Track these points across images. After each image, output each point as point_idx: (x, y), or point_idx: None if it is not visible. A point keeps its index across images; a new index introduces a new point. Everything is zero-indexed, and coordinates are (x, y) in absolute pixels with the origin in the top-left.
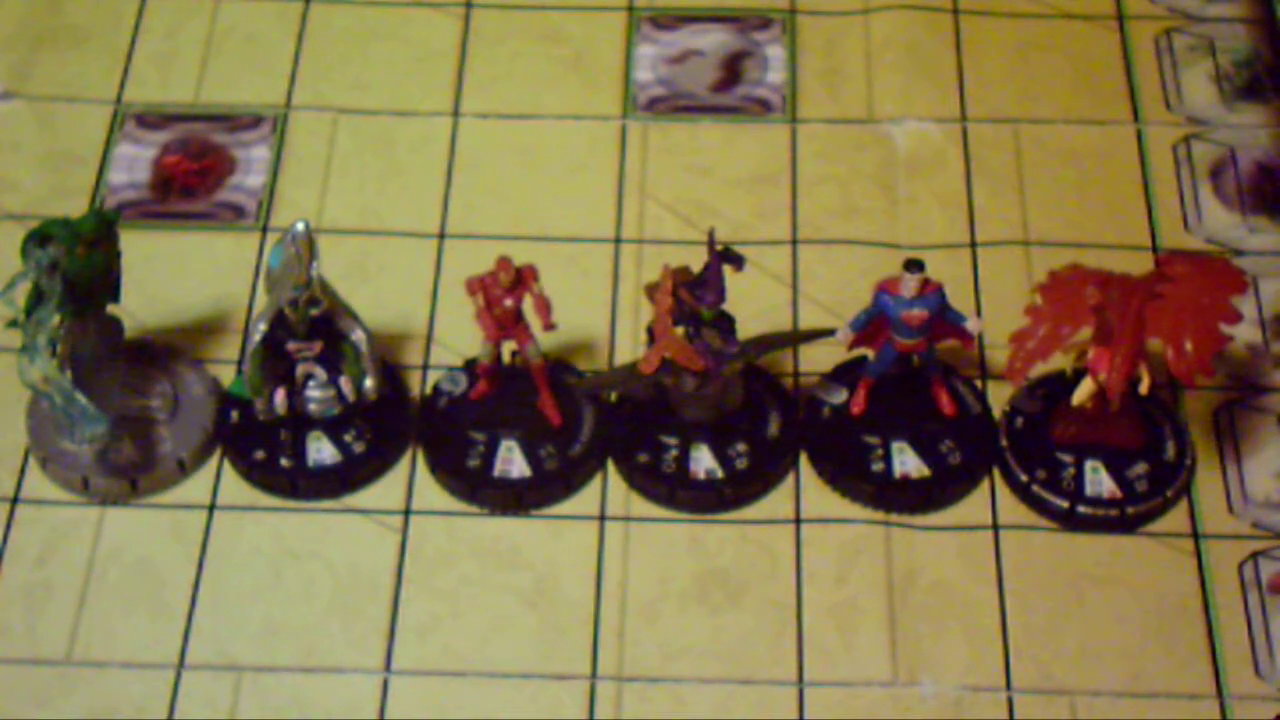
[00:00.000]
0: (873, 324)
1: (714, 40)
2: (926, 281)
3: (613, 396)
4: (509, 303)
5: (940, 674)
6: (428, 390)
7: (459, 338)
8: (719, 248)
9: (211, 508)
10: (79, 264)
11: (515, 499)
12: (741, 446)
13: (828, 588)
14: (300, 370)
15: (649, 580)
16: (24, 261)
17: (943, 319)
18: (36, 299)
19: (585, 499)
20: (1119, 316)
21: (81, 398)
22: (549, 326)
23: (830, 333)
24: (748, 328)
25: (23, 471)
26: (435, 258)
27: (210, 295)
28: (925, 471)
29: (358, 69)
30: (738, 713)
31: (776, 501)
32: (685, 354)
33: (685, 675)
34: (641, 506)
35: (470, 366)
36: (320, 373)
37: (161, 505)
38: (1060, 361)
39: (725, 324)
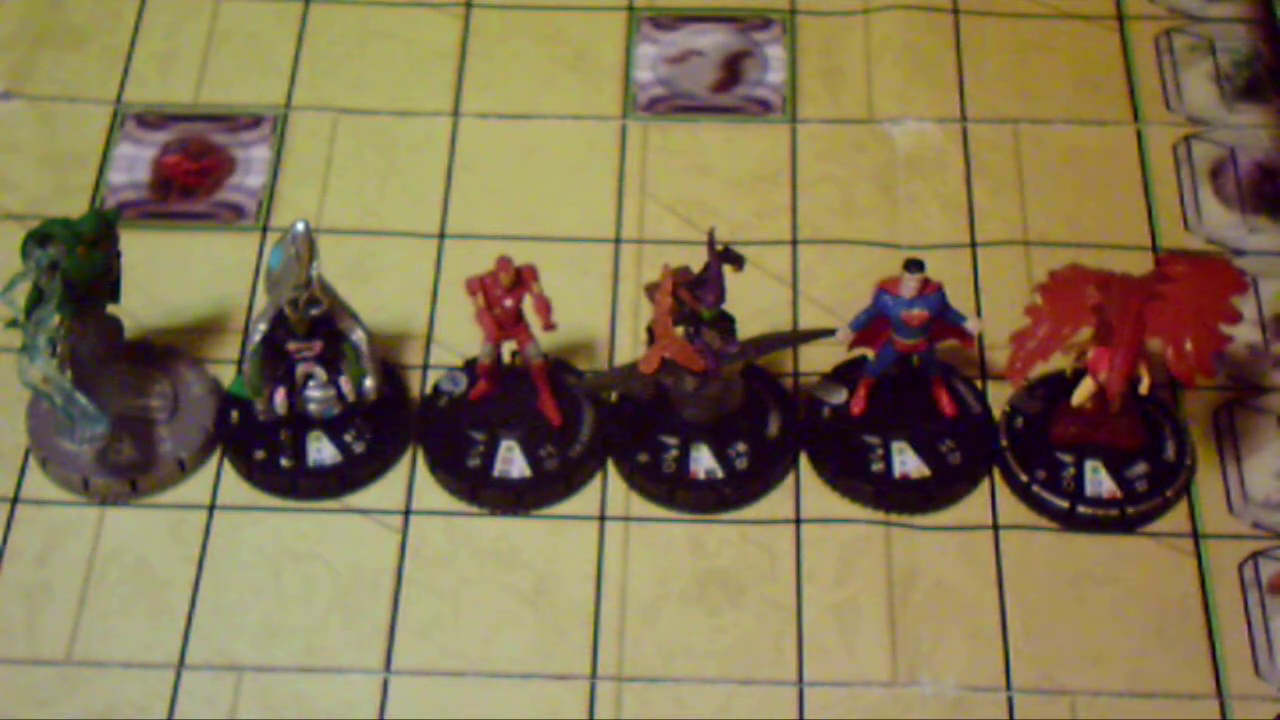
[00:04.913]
0: (873, 324)
1: (714, 40)
2: (926, 281)
3: (613, 396)
4: (509, 303)
5: (940, 674)
6: (428, 390)
7: (459, 338)
8: (719, 248)
9: (211, 508)
10: (79, 264)
11: (515, 499)
12: (741, 446)
13: (828, 588)
14: (300, 370)
15: (649, 580)
16: (24, 261)
17: (943, 319)
18: (36, 299)
19: (585, 499)
20: (1119, 316)
21: (81, 398)
22: (549, 327)
23: (830, 333)
24: (748, 328)
25: (23, 471)
26: (435, 258)
27: (210, 295)
28: (925, 471)
29: (358, 69)
30: (738, 713)
31: (776, 501)
32: (685, 354)
33: (685, 675)
34: (641, 506)
35: (470, 366)
36: (320, 373)
37: (161, 505)
38: (1060, 361)
39: (725, 324)
